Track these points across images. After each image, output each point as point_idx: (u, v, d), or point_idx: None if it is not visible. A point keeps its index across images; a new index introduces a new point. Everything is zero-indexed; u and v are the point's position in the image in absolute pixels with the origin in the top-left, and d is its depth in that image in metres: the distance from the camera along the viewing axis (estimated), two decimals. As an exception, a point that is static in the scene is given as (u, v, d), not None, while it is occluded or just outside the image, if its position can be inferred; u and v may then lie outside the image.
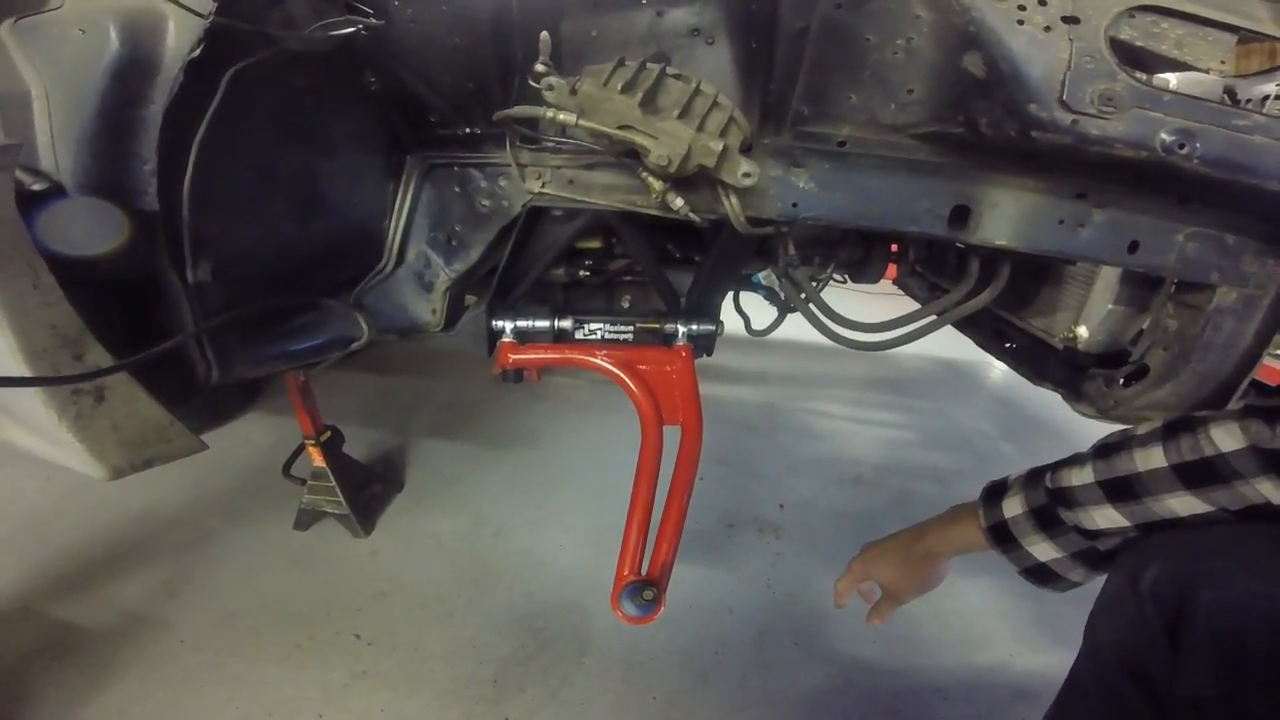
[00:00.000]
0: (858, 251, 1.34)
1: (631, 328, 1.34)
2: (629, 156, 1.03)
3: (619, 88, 0.94)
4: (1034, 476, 0.87)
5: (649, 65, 0.97)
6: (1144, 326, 1.19)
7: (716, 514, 2.13)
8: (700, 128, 0.92)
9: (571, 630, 1.70)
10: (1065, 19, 0.81)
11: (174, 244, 0.88)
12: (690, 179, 0.98)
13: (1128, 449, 0.76)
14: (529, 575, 1.86)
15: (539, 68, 1.00)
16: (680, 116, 0.92)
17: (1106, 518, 0.76)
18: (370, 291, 1.24)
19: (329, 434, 1.89)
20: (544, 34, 1.00)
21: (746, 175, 0.92)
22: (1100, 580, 0.85)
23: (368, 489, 2.06)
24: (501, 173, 1.18)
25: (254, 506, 2.08)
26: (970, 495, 2.24)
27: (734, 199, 1.00)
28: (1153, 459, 0.72)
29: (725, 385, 3.14)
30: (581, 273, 1.44)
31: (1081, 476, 0.79)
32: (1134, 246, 0.99)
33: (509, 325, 1.29)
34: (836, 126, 0.97)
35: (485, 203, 1.19)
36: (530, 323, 1.30)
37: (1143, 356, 1.14)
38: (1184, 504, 0.70)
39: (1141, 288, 1.17)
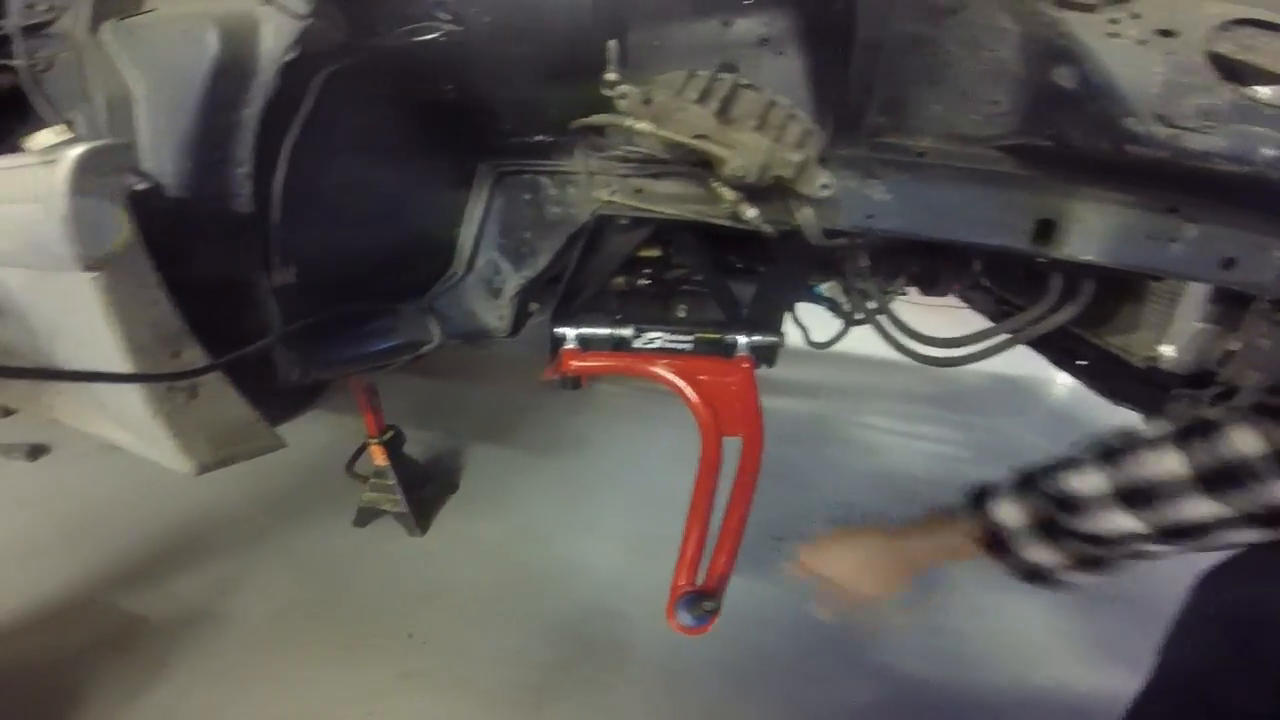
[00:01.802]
0: (927, 264, 1.31)
1: (691, 337, 1.33)
2: (701, 166, 1.03)
3: (693, 97, 0.95)
4: (1027, 482, 0.82)
5: (721, 76, 0.97)
6: (1233, 346, 1.14)
7: (763, 526, 2.08)
8: (778, 139, 0.91)
9: (613, 638, 1.69)
10: (1161, 32, 0.79)
11: (262, 246, 0.90)
12: (762, 190, 0.97)
13: (1136, 452, 0.71)
14: (573, 581, 1.86)
15: (610, 76, 1.01)
16: (757, 128, 0.92)
17: (1117, 524, 0.71)
18: (441, 297, 1.26)
19: (391, 434, 1.93)
20: (611, 43, 1.01)
21: (825, 186, 0.92)
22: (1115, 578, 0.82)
23: (424, 489, 2.09)
24: (570, 180, 1.19)
25: (312, 504, 2.13)
26: None
27: (808, 210, 0.99)
28: (1168, 463, 0.67)
29: (774, 396, 3.10)
30: (640, 281, 1.44)
31: (1090, 483, 0.73)
32: (1229, 263, 0.95)
33: (571, 332, 1.29)
34: (915, 137, 0.95)
35: (554, 210, 1.20)
36: (592, 330, 1.30)
37: (1233, 378, 1.09)
38: (1203, 509, 0.65)
39: (1232, 306, 1.12)
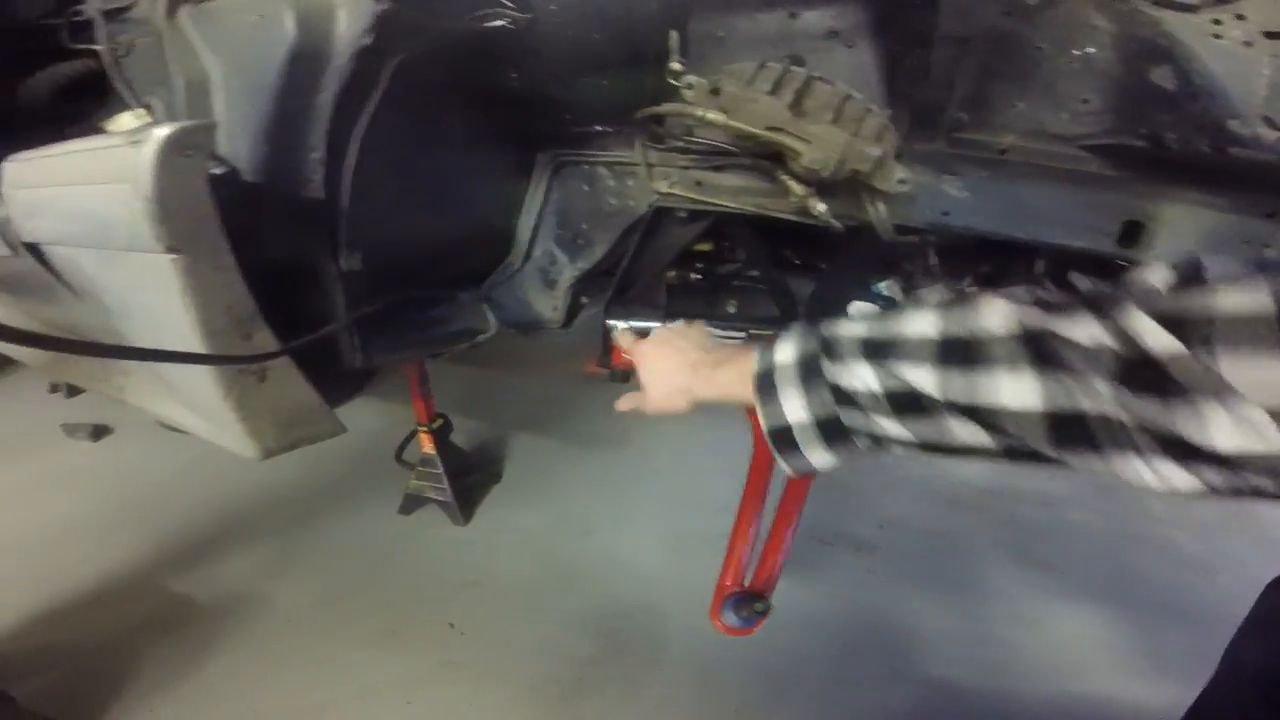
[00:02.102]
0: (998, 264, 1.28)
1: (744, 333, 1.31)
2: (769, 159, 1.01)
3: (766, 89, 0.92)
4: (819, 324, 0.70)
5: (794, 68, 0.95)
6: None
7: (808, 528, 2.07)
8: (855, 133, 0.89)
9: (650, 634, 1.68)
10: (1268, 34, 0.77)
11: (331, 231, 0.90)
12: (834, 184, 0.95)
13: (902, 311, 0.62)
14: (612, 576, 1.86)
15: (675, 66, 0.99)
16: (832, 121, 0.90)
17: (858, 377, 0.61)
18: (498, 286, 1.25)
19: (440, 422, 1.94)
20: (673, 33, 0.99)
21: (902, 182, 0.89)
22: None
23: (468, 478, 2.10)
24: (629, 172, 1.17)
25: (360, 489, 2.15)
26: (1084, 523, 2.11)
27: (880, 205, 0.96)
28: (920, 323, 0.58)
29: None
30: (692, 275, 1.42)
31: (853, 328, 0.64)
32: (1326, 272, 0.91)
33: (623, 325, 1.28)
34: (998, 134, 0.93)
35: (612, 201, 1.18)
36: (644, 323, 1.28)
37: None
38: (928, 380, 0.55)
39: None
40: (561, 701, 1.51)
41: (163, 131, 0.66)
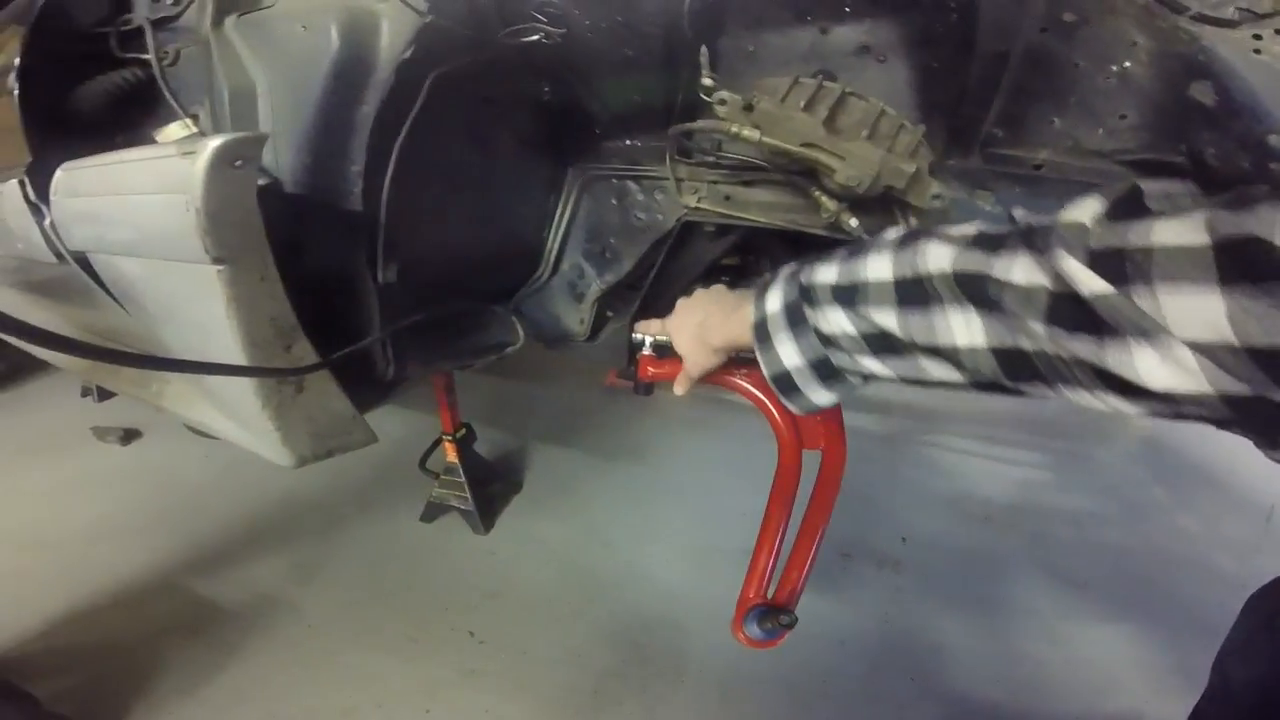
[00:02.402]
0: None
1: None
2: (801, 175, 1.01)
3: (799, 105, 0.93)
4: (799, 269, 0.71)
5: (828, 84, 0.96)
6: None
7: (831, 543, 2.03)
8: (890, 149, 0.89)
9: (672, 647, 1.67)
10: None
11: (369, 244, 0.91)
12: (866, 200, 0.95)
13: (864, 253, 0.62)
14: (634, 588, 1.85)
15: (707, 81, 1.00)
16: (868, 137, 0.90)
17: (835, 322, 0.63)
18: (527, 299, 1.26)
19: (464, 431, 1.95)
20: (704, 49, 1.00)
21: (937, 198, 0.89)
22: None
23: (490, 487, 2.11)
24: (658, 186, 1.18)
25: (385, 496, 2.16)
26: (1116, 542, 2.08)
27: (914, 221, 0.96)
28: (880, 269, 0.59)
29: (845, 412, 2.92)
30: (718, 289, 1.42)
31: (824, 274, 0.65)
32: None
33: (649, 338, 1.28)
34: (1033, 150, 0.93)
35: (641, 216, 1.19)
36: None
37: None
38: (890, 320, 0.57)
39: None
40: (580, 713, 1.50)
41: (214, 143, 0.67)
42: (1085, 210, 0.44)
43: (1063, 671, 1.65)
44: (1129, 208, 0.44)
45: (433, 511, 2.02)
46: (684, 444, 2.59)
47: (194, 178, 0.68)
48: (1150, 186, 0.48)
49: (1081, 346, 0.43)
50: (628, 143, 1.17)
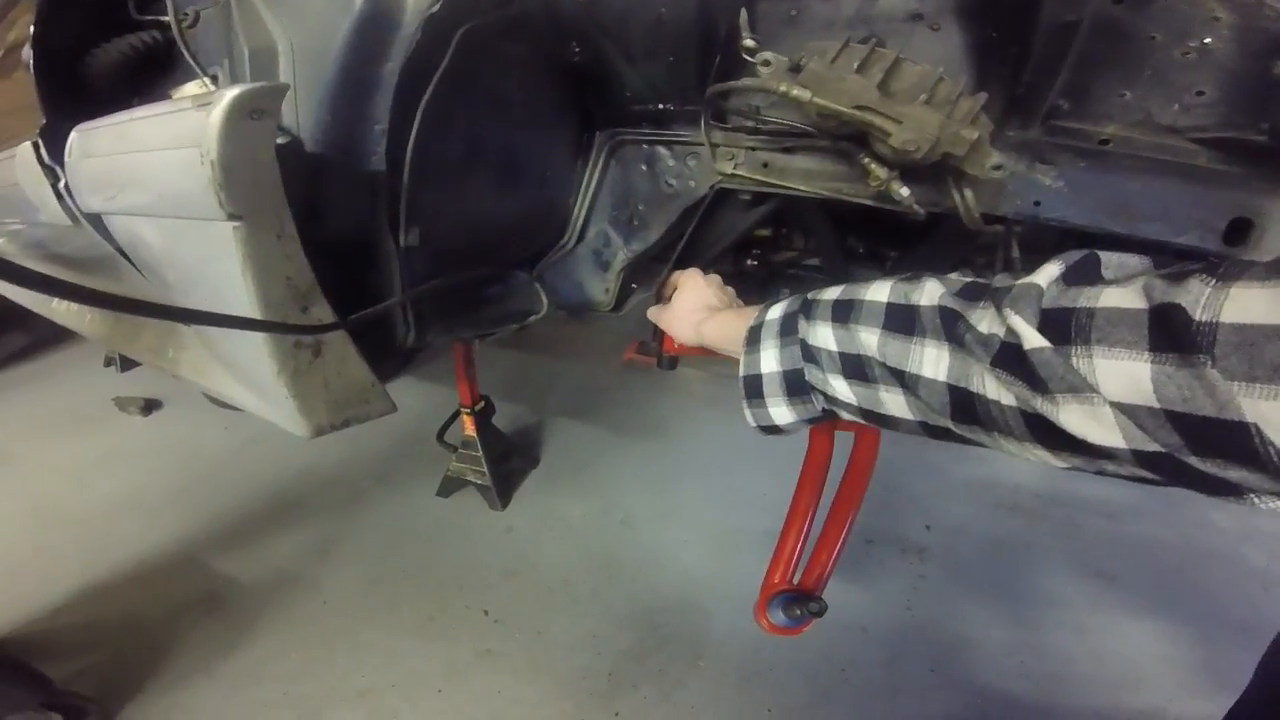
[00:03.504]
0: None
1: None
2: (849, 140, 0.96)
3: (852, 68, 0.87)
4: (812, 292, 0.76)
5: (879, 48, 0.90)
6: None
7: (855, 529, 2.01)
8: (949, 115, 0.83)
9: (690, 631, 1.65)
10: None
11: (391, 206, 0.88)
12: (918, 169, 0.90)
13: (869, 281, 0.67)
14: (653, 570, 1.83)
15: (748, 42, 0.95)
16: (925, 102, 0.85)
17: (822, 336, 0.67)
18: (551, 267, 1.22)
19: (483, 404, 1.93)
20: (743, 10, 0.95)
21: (997, 167, 0.84)
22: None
23: (508, 462, 2.09)
24: (691, 152, 1.13)
25: (405, 470, 2.16)
26: (1148, 535, 2.03)
27: (968, 192, 0.91)
28: (878, 292, 0.64)
29: None
30: (749, 262, 1.37)
31: (830, 293, 0.70)
32: None
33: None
34: (1100, 124, 0.87)
35: (671, 182, 1.14)
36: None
37: None
38: (872, 340, 0.61)
39: None
40: (597, 696, 1.48)
41: (231, 92, 0.63)
42: (1045, 273, 0.49)
43: (1088, 665, 1.61)
44: (1084, 274, 0.48)
45: (449, 486, 2.00)
46: (705, 422, 2.56)
47: (209, 129, 0.64)
48: (1108, 257, 0.50)
49: (1017, 393, 0.47)
50: (659, 106, 1.12)
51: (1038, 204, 0.91)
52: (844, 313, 0.65)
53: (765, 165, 1.08)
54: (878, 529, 1.98)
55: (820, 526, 1.22)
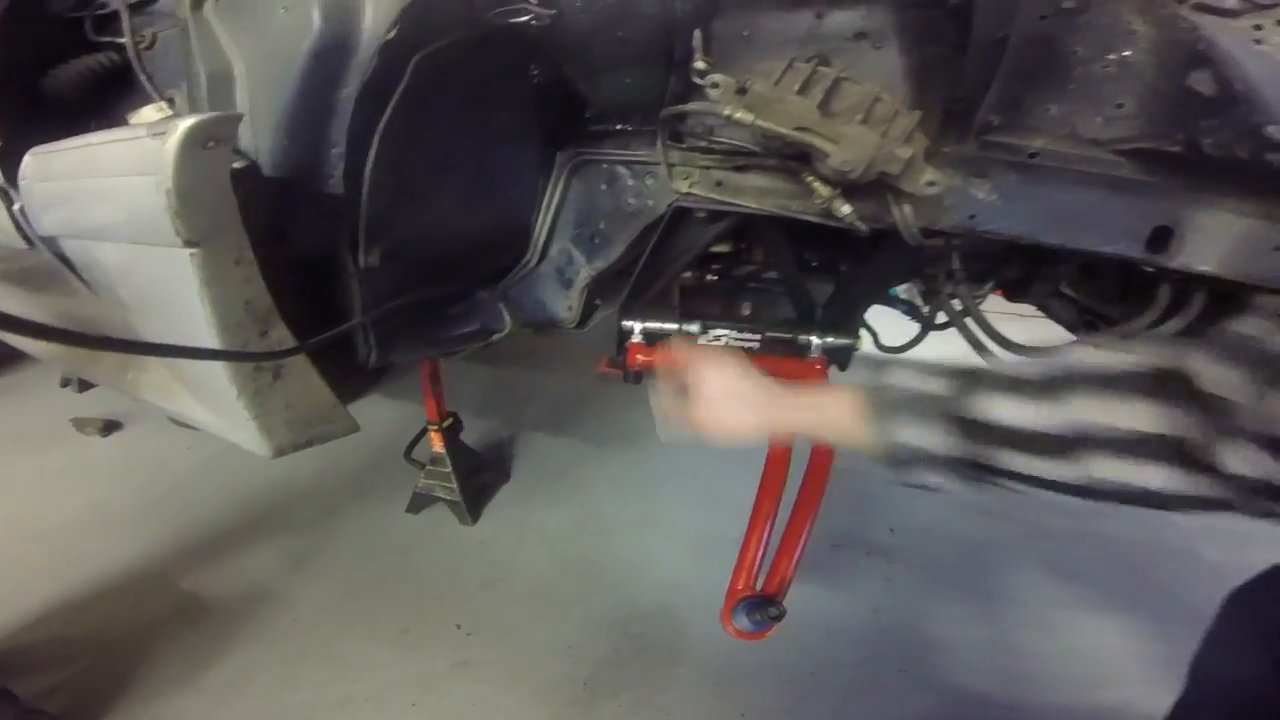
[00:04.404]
0: (1022, 269, 1.26)
1: (759, 336, 1.29)
2: (795, 160, 0.99)
3: (794, 88, 0.91)
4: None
5: (821, 68, 0.94)
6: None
7: (822, 533, 2.03)
8: (884, 134, 0.87)
9: (667, 638, 1.67)
10: None
11: (351, 228, 0.89)
12: (860, 186, 0.94)
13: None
14: (629, 578, 1.84)
15: (699, 64, 0.98)
16: (862, 121, 0.88)
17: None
18: (514, 285, 1.24)
19: (451, 420, 1.93)
20: (696, 32, 0.98)
21: (931, 184, 0.88)
22: None
23: (478, 477, 2.10)
24: (650, 171, 1.16)
25: (378, 485, 2.15)
26: (1110, 533, 2.10)
27: (907, 208, 0.95)
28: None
29: None
30: (709, 277, 1.40)
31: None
32: (1364, 282, 0.89)
33: (638, 326, 1.27)
34: (1030, 137, 0.91)
35: (631, 201, 1.17)
36: (658, 325, 1.27)
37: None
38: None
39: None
40: (574, 705, 1.49)
41: (186, 123, 0.65)
42: None
43: (1054, 662, 1.65)
44: None
45: (419, 502, 2.00)
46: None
47: (164, 158, 0.65)
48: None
49: None
50: (619, 127, 1.15)
51: (973, 217, 0.96)
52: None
53: (719, 184, 1.11)
54: (844, 533, 2.02)
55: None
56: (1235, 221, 0.90)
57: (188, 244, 0.70)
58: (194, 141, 0.65)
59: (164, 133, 0.65)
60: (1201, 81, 0.78)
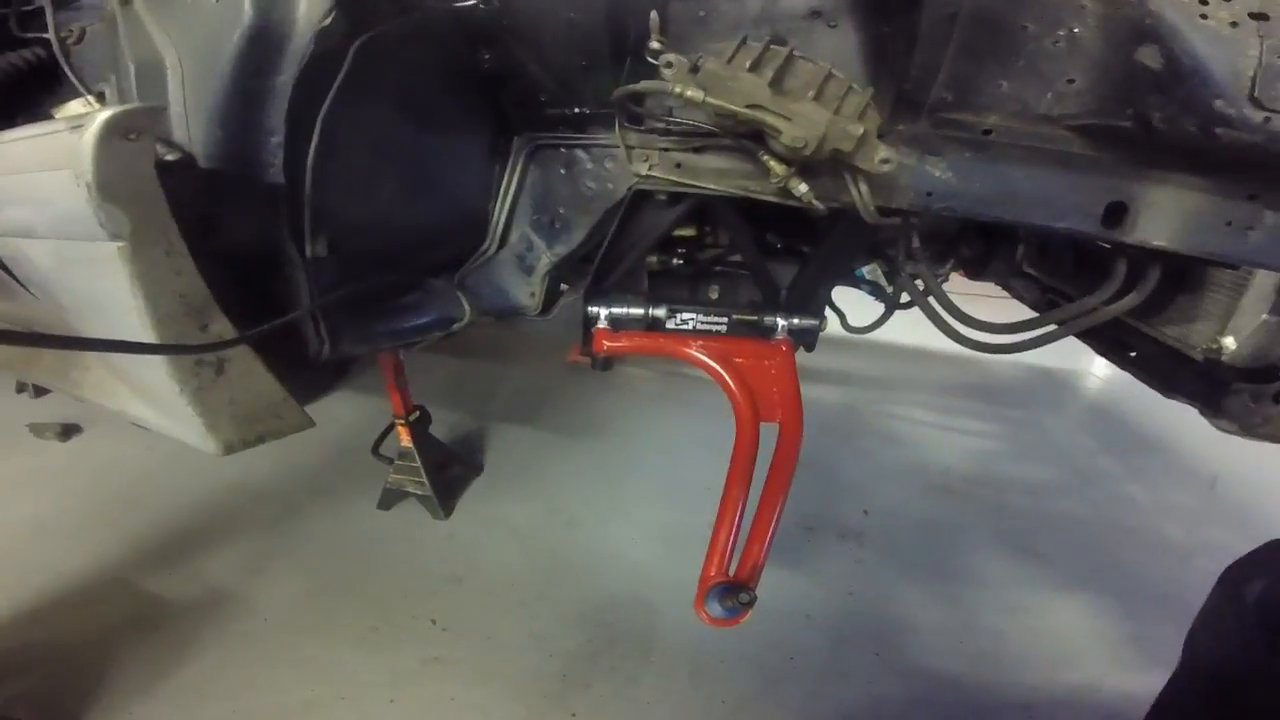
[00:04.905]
0: (979, 248, 1.26)
1: (726, 319, 1.29)
2: (750, 139, 0.98)
3: (745, 66, 0.90)
4: None
5: (774, 46, 0.93)
6: (1301, 341, 1.09)
7: (794, 517, 2.07)
8: (837, 111, 0.86)
9: (639, 627, 1.67)
10: (1253, 15, 0.75)
11: (294, 218, 0.87)
12: (815, 164, 0.93)
13: None
14: (599, 568, 1.84)
15: (654, 44, 0.97)
16: (814, 99, 0.87)
17: None
18: (473, 273, 1.22)
19: (418, 414, 1.91)
20: (653, 12, 0.97)
21: (885, 161, 0.87)
22: None
23: (448, 470, 2.07)
24: (608, 155, 1.14)
25: (340, 483, 2.12)
26: (1070, 512, 2.18)
27: (863, 186, 0.94)
28: None
29: (803, 384, 2.93)
30: (675, 261, 1.39)
31: None
32: (1311, 253, 0.90)
33: (604, 312, 1.25)
34: (982, 115, 0.90)
35: (590, 185, 1.15)
36: (625, 310, 1.26)
37: (1300, 373, 1.04)
38: None
39: (1305, 299, 1.07)
40: (548, 698, 1.49)
41: (104, 115, 0.62)
42: None
43: (1022, 643, 1.68)
44: None
45: (389, 498, 1.98)
46: (649, 419, 2.58)
47: (83, 151, 0.63)
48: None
49: None
50: (575, 110, 1.13)
51: (929, 195, 0.95)
52: None
53: (679, 166, 1.09)
54: (816, 517, 2.03)
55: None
56: (1189, 197, 0.91)
57: (114, 237, 0.67)
58: (112, 134, 0.62)
59: (81, 126, 0.63)
60: (1149, 56, 0.77)
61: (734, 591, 1.18)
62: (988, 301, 1.69)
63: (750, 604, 1.16)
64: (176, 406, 0.81)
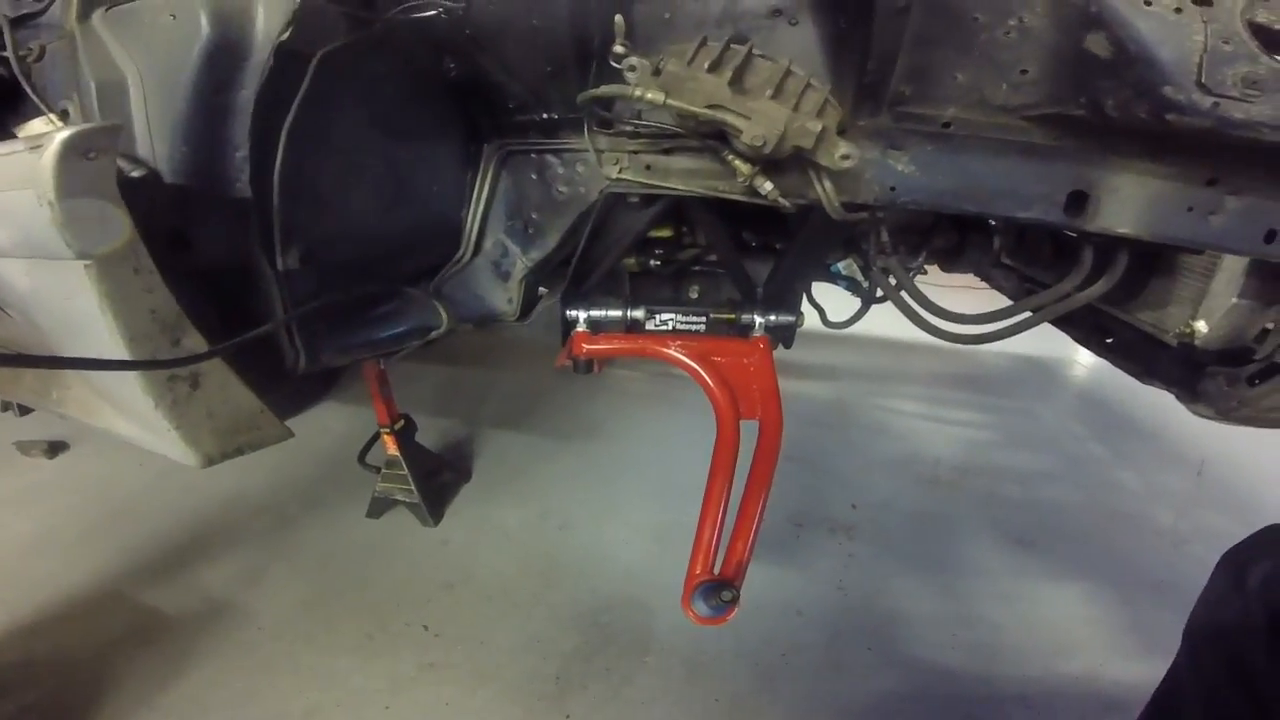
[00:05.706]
0: (951, 239, 1.27)
1: (704, 318, 1.30)
2: (714, 139, 0.99)
3: (705, 66, 0.91)
4: None
5: (734, 45, 0.94)
6: (1271, 322, 1.09)
7: (784, 512, 2.09)
8: (795, 108, 0.87)
9: (634, 627, 1.68)
10: (1196, 1, 0.76)
11: (264, 231, 0.88)
12: (780, 162, 0.94)
13: None
14: (593, 570, 1.85)
15: (618, 48, 0.98)
16: (773, 96, 0.88)
17: None
18: (449, 281, 1.23)
19: (403, 422, 1.92)
20: (618, 17, 0.98)
21: (845, 157, 0.88)
22: None
23: (438, 477, 2.08)
24: (579, 159, 1.15)
25: (333, 493, 2.13)
26: (1061, 500, 2.19)
27: (827, 183, 0.95)
28: None
29: (791, 379, 3.05)
30: (652, 262, 1.40)
31: None
32: (1271, 236, 0.90)
33: (582, 315, 1.26)
34: (941, 107, 0.91)
35: (563, 189, 1.16)
36: (603, 312, 1.27)
37: (1272, 354, 1.04)
38: None
39: (1271, 280, 1.08)
40: (544, 700, 1.50)
41: (62, 135, 0.63)
42: None
43: (1019, 633, 1.68)
44: None
45: (378, 507, 1.99)
46: (638, 420, 2.59)
47: (43, 172, 0.64)
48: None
49: None
50: (545, 116, 1.14)
51: (893, 189, 0.96)
52: None
53: (648, 167, 1.10)
54: (807, 512, 2.04)
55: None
56: (1149, 183, 0.91)
57: (80, 256, 0.69)
58: (72, 153, 0.64)
59: (40, 146, 0.64)
60: (1097, 44, 0.78)
61: (718, 589, 1.18)
62: (974, 294, 1.70)
63: (734, 601, 1.17)
64: (155, 421, 0.82)
